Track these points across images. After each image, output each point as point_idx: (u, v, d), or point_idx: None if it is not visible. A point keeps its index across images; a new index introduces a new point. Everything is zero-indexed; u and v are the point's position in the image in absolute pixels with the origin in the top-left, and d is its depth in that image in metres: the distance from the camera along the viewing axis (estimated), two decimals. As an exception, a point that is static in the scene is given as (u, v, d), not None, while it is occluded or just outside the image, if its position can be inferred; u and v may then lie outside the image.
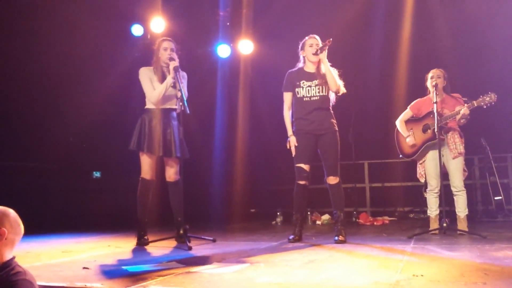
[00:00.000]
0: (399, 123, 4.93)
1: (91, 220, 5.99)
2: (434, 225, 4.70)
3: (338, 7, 6.45)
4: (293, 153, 4.21)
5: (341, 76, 4.24)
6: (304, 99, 4.20)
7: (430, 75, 4.71)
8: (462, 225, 4.58)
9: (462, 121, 4.52)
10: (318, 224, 6.33)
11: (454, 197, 4.65)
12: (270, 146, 7.18)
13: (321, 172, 4.29)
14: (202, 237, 4.32)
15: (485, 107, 4.36)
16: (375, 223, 6.16)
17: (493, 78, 6.03)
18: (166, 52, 4.23)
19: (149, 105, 4.25)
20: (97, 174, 6.61)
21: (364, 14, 6.55)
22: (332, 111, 4.26)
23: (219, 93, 7.42)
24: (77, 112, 6.17)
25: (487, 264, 2.84)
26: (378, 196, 7.24)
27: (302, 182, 4.21)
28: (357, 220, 6.34)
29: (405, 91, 6.56)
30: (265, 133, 7.46)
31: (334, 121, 4.24)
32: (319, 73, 4.20)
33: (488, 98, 4.31)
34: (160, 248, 3.97)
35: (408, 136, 4.83)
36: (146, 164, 4.18)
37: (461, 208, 4.62)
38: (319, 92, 4.17)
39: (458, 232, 4.47)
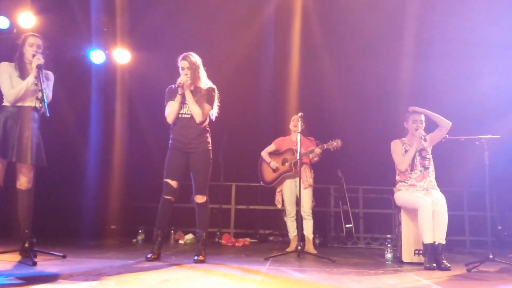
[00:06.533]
0: (264, 153, 5.67)
1: None
2: (294, 244, 5.23)
3: (221, 21, 6.55)
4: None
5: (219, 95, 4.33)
6: (178, 115, 4.19)
7: (293, 119, 5.50)
8: (310, 245, 5.35)
9: (315, 159, 5.37)
10: (181, 244, 6.24)
11: (304, 221, 5.31)
12: (149, 158, 6.93)
13: (189, 190, 4.27)
14: (51, 252, 3.97)
15: (332, 150, 5.22)
16: (236, 244, 6.28)
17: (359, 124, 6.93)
18: (32, 48, 3.89)
19: (6, 102, 3.84)
20: None
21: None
22: (208, 129, 4.29)
23: (94, 100, 6.99)
24: None
25: (332, 286, 3.05)
26: (242, 218, 7.41)
27: (168, 197, 4.16)
28: (219, 240, 6.40)
29: (275, 124, 6.86)
30: (143, 145, 7.20)
31: (208, 139, 4.26)
32: (194, 92, 4.22)
33: (335, 143, 5.19)
34: (0, 261, 3.56)
35: (271, 161, 5.56)
36: (-6, 169, 3.76)
37: (310, 230, 5.38)
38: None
39: (311, 254, 4.99)
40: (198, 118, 4.13)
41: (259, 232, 7.09)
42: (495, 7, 6.07)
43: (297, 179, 5.06)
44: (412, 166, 4.68)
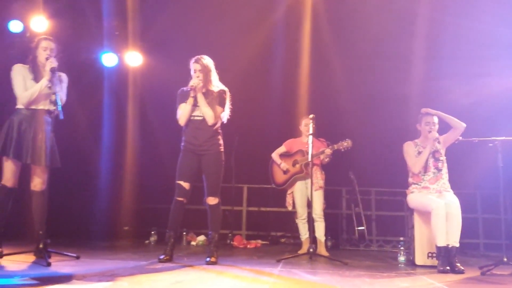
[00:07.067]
0: (274, 155, 5.67)
1: None
2: (305, 247, 5.22)
3: (232, 26, 6.57)
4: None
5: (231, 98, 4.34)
6: (190, 117, 4.21)
7: (304, 122, 5.47)
8: (323, 247, 5.31)
9: (326, 160, 5.33)
10: (193, 245, 6.26)
11: (315, 223, 5.29)
12: (161, 160, 6.94)
13: (201, 192, 4.29)
14: (65, 253, 4.01)
15: (343, 150, 5.17)
16: (248, 246, 6.29)
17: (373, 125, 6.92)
18: (45, 52, 3.94)
19: (20, 105, 3.90)
20: None
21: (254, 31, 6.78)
22: (220, 131, 4.31)
23: (106, 103, 7.07)
24: None
25: (344, 288, 3.05)
26: (254, 220, 7.40)
27: (180, 199, 4.18)
28: (231, 242, 6.41)
29: (285, 126, 6.85)
30: (155, 147, 7.24)
31: (220, 141, 4.28)
32: (206, 94, 4.24)
33: (345, 143, 5.16)
34: (15, 262, 3.62)
35: (281, 163, 5.56)
36: (9, 171, 3.80)
37: (322, 232, 5.36)
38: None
39: (323, 256, 4.95)
40: (210, 120, 4.15)
41: (270, 234, 7.10)
42: (507, 8, 6.02)
43: (308, 180, 5.03)
44: (425, 168, 4.65)
